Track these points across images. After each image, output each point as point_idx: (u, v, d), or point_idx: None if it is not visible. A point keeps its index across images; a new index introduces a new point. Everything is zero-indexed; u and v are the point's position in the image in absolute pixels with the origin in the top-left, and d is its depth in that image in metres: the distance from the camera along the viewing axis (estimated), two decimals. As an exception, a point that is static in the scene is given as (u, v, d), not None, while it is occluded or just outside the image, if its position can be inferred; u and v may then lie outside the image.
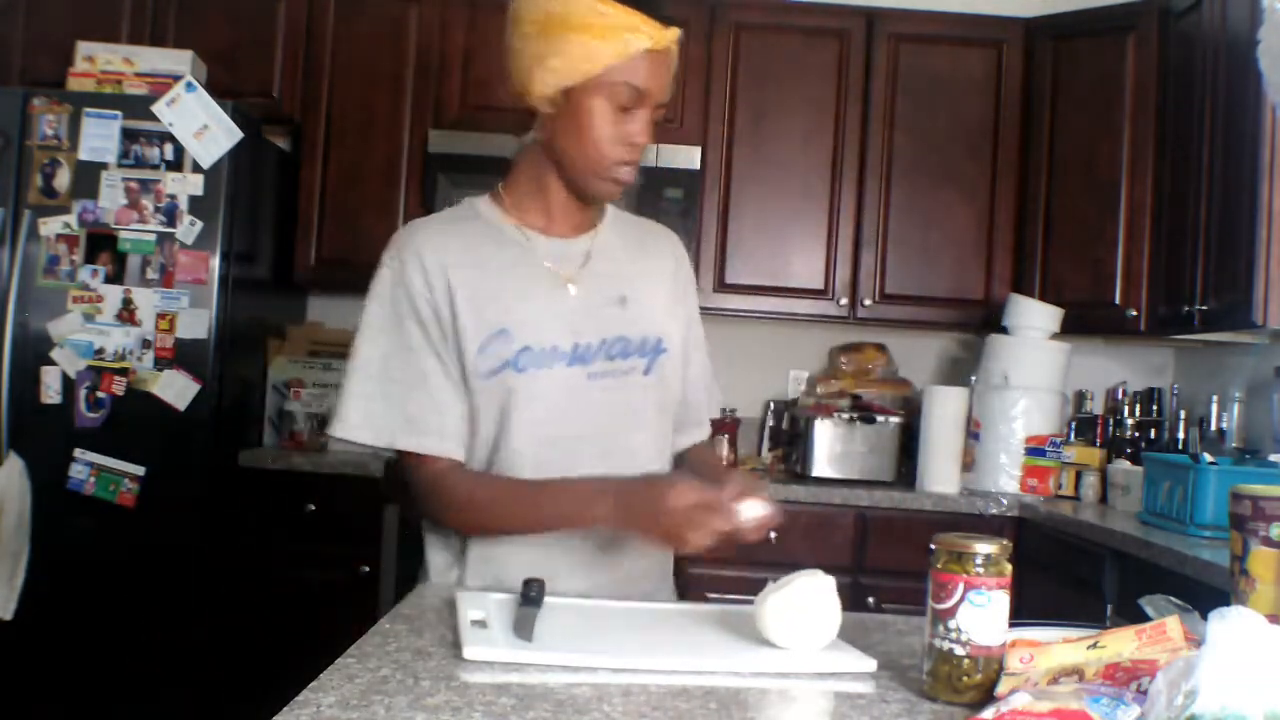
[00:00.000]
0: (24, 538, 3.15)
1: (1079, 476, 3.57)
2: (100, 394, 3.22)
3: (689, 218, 3.62)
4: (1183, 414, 3.58)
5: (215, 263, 3.26)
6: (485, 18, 3.76)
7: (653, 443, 1.70)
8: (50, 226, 3.23)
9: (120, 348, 3.22)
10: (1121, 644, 1.11)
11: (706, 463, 1.80)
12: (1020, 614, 1.28)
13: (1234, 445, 3.30)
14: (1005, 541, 1.19)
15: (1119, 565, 2.78)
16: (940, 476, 3.57)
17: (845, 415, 3.67)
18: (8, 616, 3.14)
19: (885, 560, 3.38)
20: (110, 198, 3.24)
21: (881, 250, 3.81)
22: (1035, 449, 3.58)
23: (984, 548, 1.16)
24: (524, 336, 1.60)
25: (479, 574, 1.65)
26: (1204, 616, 1.00)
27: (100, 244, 3.24)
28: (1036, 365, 3.63)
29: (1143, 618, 1.26)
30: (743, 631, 1.38)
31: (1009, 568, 1.17)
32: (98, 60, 3.41)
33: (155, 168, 3.25)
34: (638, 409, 1.68)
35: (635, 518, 1.51)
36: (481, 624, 1.33)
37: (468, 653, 1.21)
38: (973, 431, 3.65)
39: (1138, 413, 3.73)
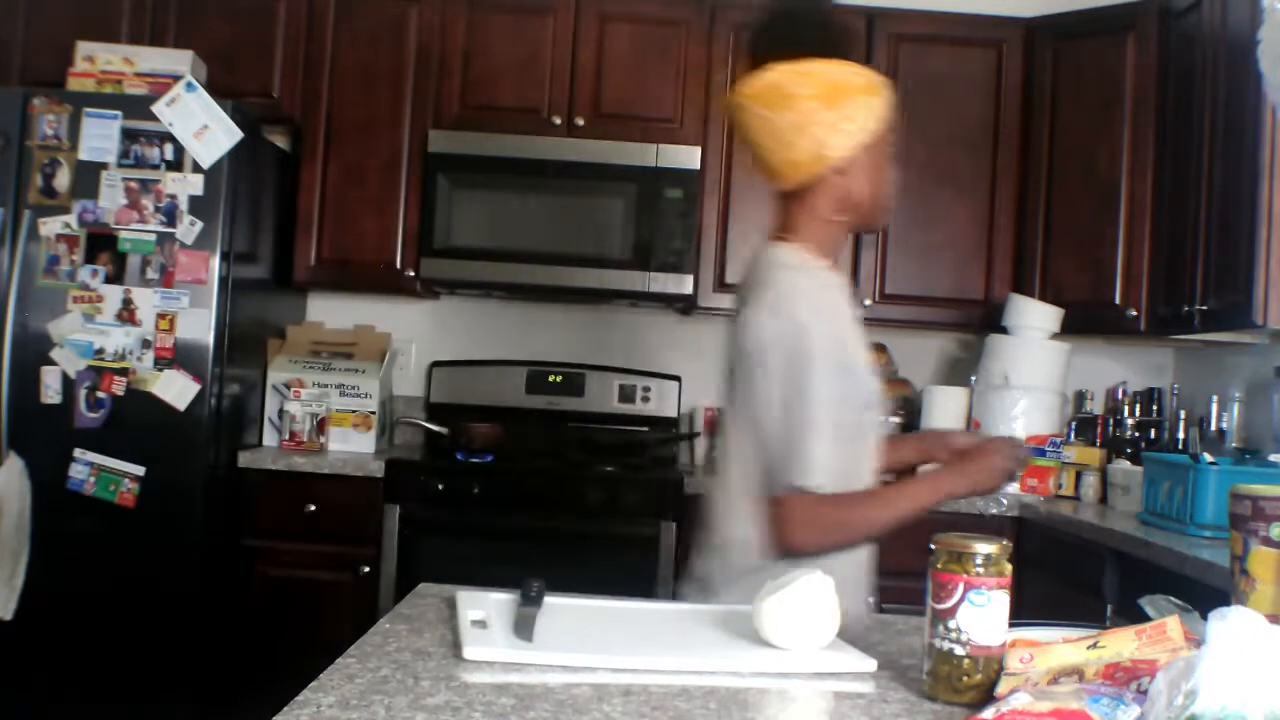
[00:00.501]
0: (24, 538, 3.15)
1: (1079, 476, 3.57)
2: (100, 394, 3.22)
3: (689, 218, 3.61)
4: (1183, 414, 3.58)
5: (215, 263, 3.26)
6: (485, 18, 3.76)
7: None
8: (50, 226, 3.23)
9: (120, 348, 3.22)
10: (1121, 644, 1.11)
11: (935, 433, 2.14)
12: (1020, 614, 1.27)
13: (1234, 445, 3.30)
14: (1005, 541, 1.19)
15: (1119, 565, 2.78)
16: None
17: (845, 415, 3.67)
18: (8, 616, 3.14)
19: (885, 560, 3.37)
20: (110, 198, 3.24)
21: (881, 250, 3.81)
22: (1035, 449, 3.58)
23: (984, 548, 1.16)
24: (869, 379, 1.79)
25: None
26: (1204, 616, 1.00)
27: (100, 244, 3.23)
28: (1036, 365, 3.63)
29: (1143, 618, 1.26)
30: (743, 631, 1.38)
31: (1009, 568, 1.17)
32: (98, 60, 3.41)
33: (155, 168, 3.25)
34: None
35: (970, 477, 1.77)
36: (481, 624, 1.33)
37: (468, 653, 1.21)
38: (973, 431, 3.65)
39: (1138, 413, 3.73)
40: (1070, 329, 3.67)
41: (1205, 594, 2.11)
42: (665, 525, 3.36)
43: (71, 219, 3.23)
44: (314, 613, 3.30)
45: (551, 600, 1.45)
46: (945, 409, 3.61)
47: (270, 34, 3.75)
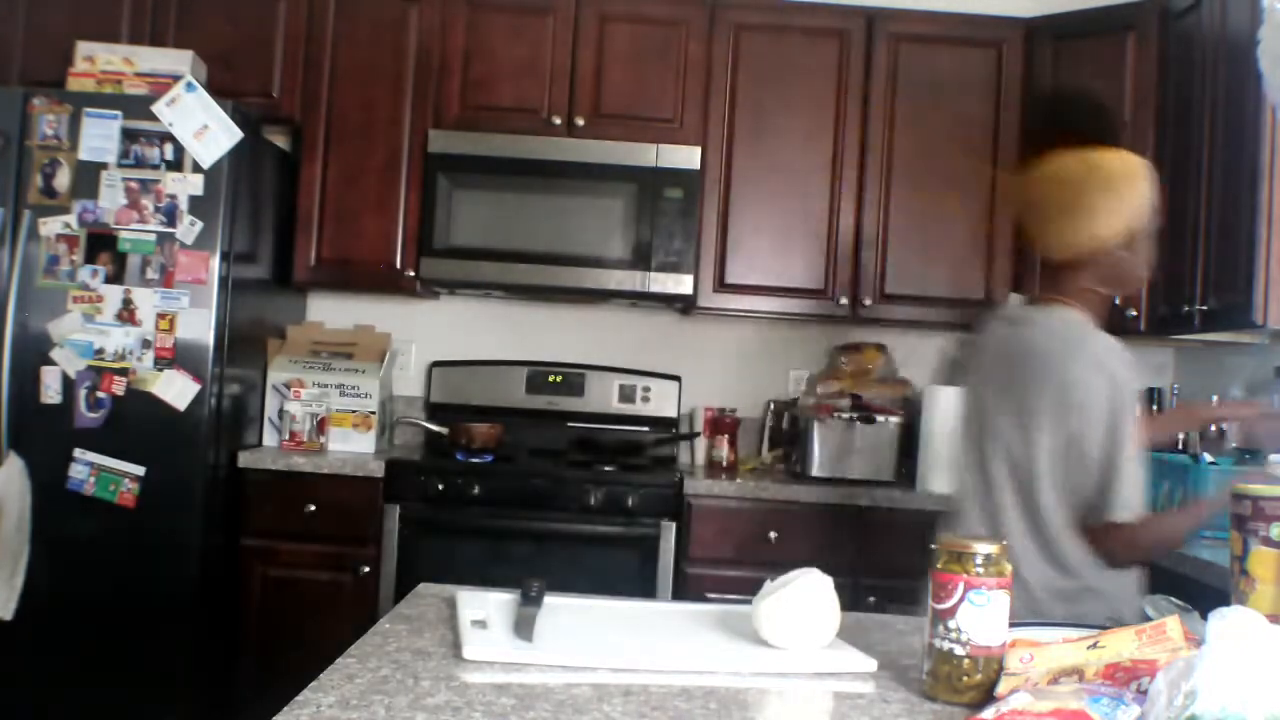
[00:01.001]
0: (24, 538, 3.15)
1: (1079, 476, 3.56)
2: (100, 394, 3.21)
3: (689, 218, 3.61)
4: (1183, 414, 3.58)
5: (215, 263, 3.26)
6: (485, 18, 3.76)
7: None
8: (50, 226, 3.23)
9: (120, 348, 3.22)
10: (1121, 644, 1.11)
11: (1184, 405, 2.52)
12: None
13: (1234, 445, 3.29)
14: (1005, 541, 1.19)
15: (1119, 565, 2.78)
16: (940, 476, 3.56)
17: (845, 415, 3.67)
18: (8, 616, 3.14)
19: (885, 560, 3.38)
20: (110, 198, 3.24)
21: (881, 250, 3.80)
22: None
23: (984, 548, 1.16)
24: None
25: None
26: (1204, 616, 1.00)
27: (100, 244, 3.23)
28: (1037, 365, 3.62)
29: (1143, 618, 1.26)
30: (743, 631, 1.38)
31: (1009, 568, 1.17)
32: (98, 60, 3.41)
33: (155, 168, 3.25)
34: None
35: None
36: (481, 624, 1.33)
37: (468, 653, 1.21)
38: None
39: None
40: (1070, 329, 3.66)
41: (1205, 594, 2.11)
42: (665, 525, 3.36)
43: (71, 219, 3.23)
44: (314, 613, 3.30)
45: (551, 600, 1.45)
46: (945, 409, 3.60)
47: (270, 34, 3.75)
